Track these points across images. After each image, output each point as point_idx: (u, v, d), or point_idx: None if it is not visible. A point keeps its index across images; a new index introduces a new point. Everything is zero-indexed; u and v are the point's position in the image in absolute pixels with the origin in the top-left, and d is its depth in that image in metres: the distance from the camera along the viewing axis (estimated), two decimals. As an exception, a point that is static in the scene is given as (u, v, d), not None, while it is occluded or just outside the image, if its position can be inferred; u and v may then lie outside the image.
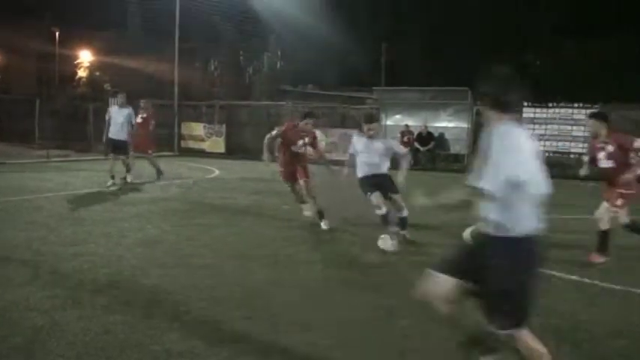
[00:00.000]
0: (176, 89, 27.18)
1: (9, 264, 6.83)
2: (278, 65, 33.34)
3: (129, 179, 14.28)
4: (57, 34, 38.46)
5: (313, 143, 9.82)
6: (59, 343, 4.56)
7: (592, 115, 8.01)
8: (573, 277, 6.87)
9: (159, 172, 14.99)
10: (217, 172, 18.53)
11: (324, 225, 9.43)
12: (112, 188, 13.32)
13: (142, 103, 15.40)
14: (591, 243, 7.93)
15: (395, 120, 24.27)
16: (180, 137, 26.65)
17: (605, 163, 7.70)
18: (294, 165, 9.69)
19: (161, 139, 24.75)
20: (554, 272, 7.02)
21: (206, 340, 4.72)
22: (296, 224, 9.82)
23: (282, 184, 10.38)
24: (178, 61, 27.60)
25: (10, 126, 27.86)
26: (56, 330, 4.82)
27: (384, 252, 7.87)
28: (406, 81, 32.21)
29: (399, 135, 22.70)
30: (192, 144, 26.41)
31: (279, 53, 33.34)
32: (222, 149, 25.47)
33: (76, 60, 38.75)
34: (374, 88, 27.56)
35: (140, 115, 15.10)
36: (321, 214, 9.58)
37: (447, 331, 4.40)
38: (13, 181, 14.78)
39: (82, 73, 38.66)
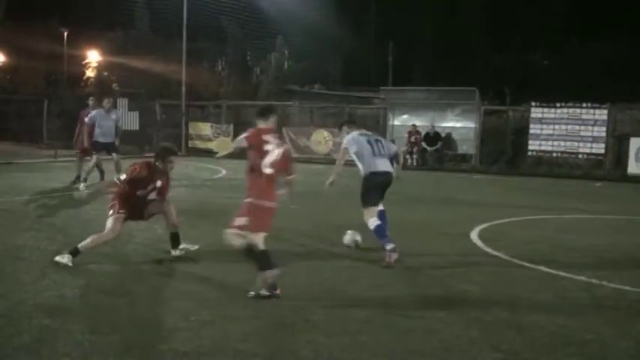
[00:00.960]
0: (183, 89, 27.21)
1: (16, 263, 6.85)
2: (285, 65, 33.36)
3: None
4: (65, 34, 38.52)
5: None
6: (66, 342, 4.57)
7: None
8: (581, 278, 6.82)
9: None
10: (224, 172, 18.53)
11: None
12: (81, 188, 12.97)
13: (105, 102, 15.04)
14: (599, 243, 7.89)
15: (402, 120, 24.22)
16: (188, 137, 26.68)
17: None
18: None
19: (169, 138, 24.80)
20: (561, 273, 6.99)
21: (212, 340, 4.72)
22: (302, 223, 9.80)
23: (298, 184, 10.33)
24: (186, 61, 27.63)
25: (19, 126, 27.95)
26: (63, 329, 4.83)
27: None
28: (413, 81, 32.18)
29: (406, 135, 22.68)
30: (199, 144, 26.42)
31: (286, 53, 33.35)
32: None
33: (84, 60, 38.84)
34: (381, 87, 27.52)
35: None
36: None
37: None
38: (20, 181, 14.82)
39: (89, 73, 38.73)
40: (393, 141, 8.37)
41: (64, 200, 11.90)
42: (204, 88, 31.37)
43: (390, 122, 24.00)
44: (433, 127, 22.57)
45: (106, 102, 14.35)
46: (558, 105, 21.10)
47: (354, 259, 7.53)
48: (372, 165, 7.70)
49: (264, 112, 6.25)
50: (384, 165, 7.74)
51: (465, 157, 22.99)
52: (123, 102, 25.71)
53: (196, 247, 7.43)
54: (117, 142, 14.10)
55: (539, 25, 34.08)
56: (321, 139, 23.77)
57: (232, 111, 26.83)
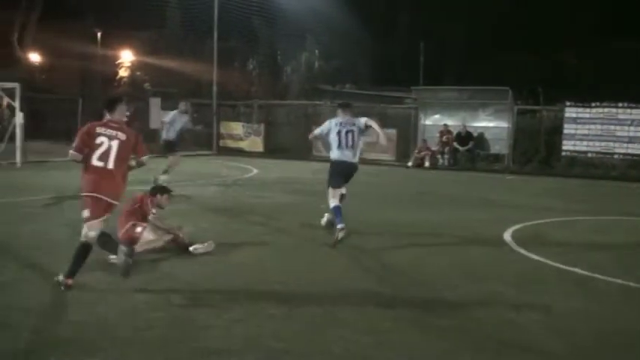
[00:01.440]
0: (214, 88, 27.39)
1: (53, 260, 6.96)
2: (316, 64, 33.33)
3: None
4: (99, 35, 39.05)
5: None
6: (103, 337, 4.64)
7: None
8: (618, 281, 6.70)
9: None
10: (255, 171, 18.61)
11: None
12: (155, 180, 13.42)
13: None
14: (636, 245, 7.75)
15: (433, 120, 24.05)
16: (219, 136, 26.86)
17: None
18: None
19: (200, 138, 25.01)
20: (597, 275, 6.88)
21: (244, 338, 4.74)
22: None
23: (320, 183, 10.36)
24: (217, 60, 27.80)
25: (55, 125, 28.42)
26: (100, 324, 4.90)
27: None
28: (445, 80, 31.91)
29: (437, 135, 22.53)
30: (230, 143, 26.57)
31: (316, 52, 33.33)
32: (260, 148, 25.56)
33: (117, 60, 39.30)
34: (412, 87, 27.33)
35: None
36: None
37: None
38: (55, 179, 15.06)
39: (122, 73, 39.17)
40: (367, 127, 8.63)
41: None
42: (236, 87, 31.51)
43: (422, 122, 23.85)
44: (465, 126, 22.37)
45: (182, 104, 14.73)
46: (593, 105, 20.75)
47: (385, 258, 7.50)
48: (335, 154, 8.71)
49: (109, 104, 6.19)
50: (345, 156, 8.63)
51: (497, 157, 22.71)
52: (155, 101, 26.00)
53: (212, 245, 7.41)
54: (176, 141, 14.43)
55: (573, 23, 33.56)
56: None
57: (263, 110, 26.94)
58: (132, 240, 6.88)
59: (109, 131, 5.93)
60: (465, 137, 22.23)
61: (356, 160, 8.81)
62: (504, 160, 22.06)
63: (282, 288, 6.09)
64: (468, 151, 22.26)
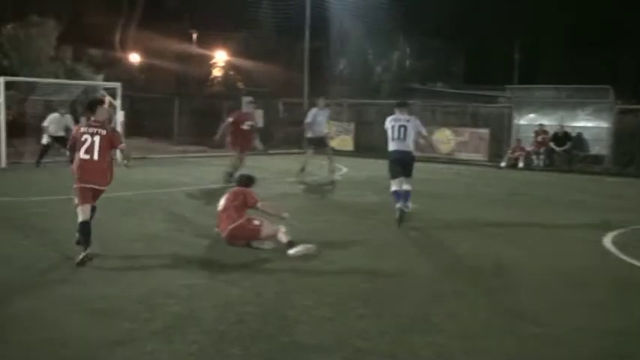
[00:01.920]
0: (306, 88, 27.65)
1: (150, 253, 7.23)
2: (407, 63, 33.06)
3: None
4: (194, 36, 40.24)
5: None
6: (196, 330, 4.77)
7: None
8: None
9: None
10: (345, 169, 18.66)
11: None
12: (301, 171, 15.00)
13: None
14: None
15: (529, 119, 23.31)
16: (309, 135, 27.07)
17: None
18: None
19: (290, 136, 25.32)
20: None
21: (333, 335, 4.76)
22: (424, 224, 9.67)
23: (416, 183, 10.25)
24: (308, 59, 28.06)
25: (153, 123, 29.53)
26: (193, 317, 5.04)
27: None
28: (541, 79, 30.92)
29: (532, 134, 21.84)
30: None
31: (408, 51, 33.06)
32: (350, 147, 25.59)
33: (211, 60, 40.36)
34: (506, 86, 26.63)
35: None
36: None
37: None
38: (153, 175, 15.64)
39: (216, 72, 40.19)
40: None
41: (192, 194, 12.44)
42: (326, 86, 31.71)
43: (516, 121, 23.19)
44: (562, 126, 21.57)
45: (320, 100, 15.26)
46: None
47: (477, 260, 7.33)
48: (390, 145, 9.74)
49: (91, 106, 7.38)
50: (397, 146, 9.55)
51: (597, 159, 21.76)
52: (247, 100, 26.50)
53: (313, 248, 7.39)
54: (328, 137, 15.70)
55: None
56: (443, 138, 23.37)
57: (354, 109, 26.95)
58: (255, 233, 7.40)
59: (91, 129, 7.05)
60: (562, 137, 21.42)
61: (410, 149, 9.57)
62: (604, 162, 21.12)
63: (370, 287, 6.07)
64: (564, 151, 21.44)
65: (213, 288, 5.89)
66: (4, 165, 16.50)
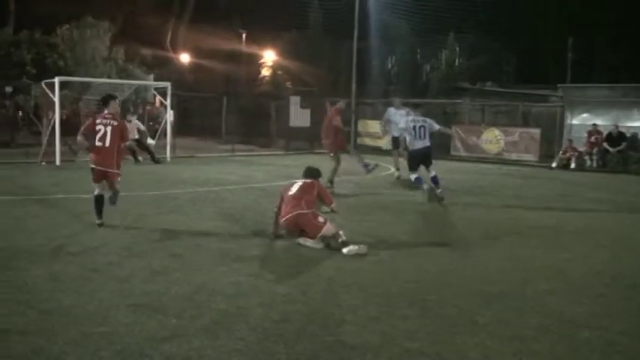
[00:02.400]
0: (354, 87, 27.58)
1: (198, 251, 7.31)
2: (456, 62, 32.72)
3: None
4: (243, 36, 40.62)
5: None
6: (241, 327, 4.78)
7: None
8: None
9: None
10: (392, 169, 18.54)
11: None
12: (398, 177, 15.51)
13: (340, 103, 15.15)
14: None
15: (582, 119, 22.77)
16: (357, 135, 26.99)
17: None
18: None
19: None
20: None
21: (379, 335, 4.71)
22: (471, 225, 9.54)
23: (456, 182, 10.14)
24: (356, 59, 27.98)
25: (201, 122, 29.93)
26: (239, 314, 5.06)
27: None
28: (594, 78, 30.20)
29: (585, 134, 21.32)
30: (368, 141, 26.62)
31: (457, 50, 32.71)
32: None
33: (260, 60, 40.69)
34: (559, 85, 26.07)
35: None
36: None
37: None
38: (200, 173, 15.85)
39: (265, 72, 40.49)
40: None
41: (239, 192, 12.54)
42: (374, 85, 31.61)
43: (568, 121, 22.68)
44: (617, 126, 21.00)
45: (397, 100, 16.10)
46: None
47: (525, 263, 7.18)
48: (412, 144, 11.71)
49: (104, 101, 8.78)
50: (419, 144, 11.60)
51: (653, 160, 21.11)
52: (295, 100, 26.62)
53: (365, 249, 7.35)
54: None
55: None
56: (492, 138, 23.03)
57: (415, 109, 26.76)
58: (316, 230, 7.53)
59: (105, 120, 8.41)
60: (616, 138, 20.85)
61: (429, 144, 11.71)
62: (661, 163, 20.47)
63: (417, 288, 5.99)
64: (619, 152, 20.87)
65: (259, 286, 5.91)
66: (58, 163, 16.93)
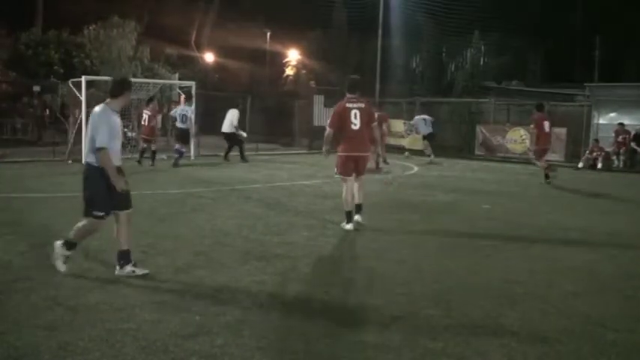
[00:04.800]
0: (377, 86, 27.55)
1: (221, 249, 7.35)
2: (481, 61, 32.40)
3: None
4: (268, 35, 40.71)
5: None
6: (264, 325, 4.80)
7: None
8: None
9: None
10: (416, 168, 18.48)
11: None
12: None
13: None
14: None
15: (609, 118, 22.45)
16: (381, 134, 26.91)
17: None
18: None
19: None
20: None
21: (402, 334, 4.70)
22: (496, 225, 9.46)
23: (481, 182, 10.05)
24: (380, 58, 27.94)
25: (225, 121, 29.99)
26: (262, 312, 5.08)
27: None
28: (623, 77, 29.77)
29: (613, 134, 21.02)
30: (392, 140, 26.55)
31: (482, 49, 32.40)
32: (421, 146, 25.32)
33: (284, 59, 40.74)
34: (586, 84, 25.74)
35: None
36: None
37: None
38: (224, 172, 15.94)
39: (289, 71, 40.53)
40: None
41: (263, 191, 12.58)
42: (398, 84, 31.49)
43: (595, 120, 22.39)
44: (645, 126, 20.69)
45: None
46: None
47: (551, 264, 7.10)
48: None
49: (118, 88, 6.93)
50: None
51: (681, 160, 20.76)
52: (319, 99, 26.62)
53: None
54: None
55: None
56: (517, 138, 22.82)
57: (426, 107, 26.60)
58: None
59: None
60: (644, 137, 20.54)
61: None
62: (689, 163, 20.14)
63: (440, 288, 5.96)
64: (647, 152, 20.56)
65: (282, 284, 5.93)
66: (84, 162, 17.14)
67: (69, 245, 6.11)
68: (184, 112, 18.25)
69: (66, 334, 4.51)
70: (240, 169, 16.79)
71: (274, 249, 7.36)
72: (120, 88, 6.22)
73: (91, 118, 6.04)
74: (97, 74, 25.74)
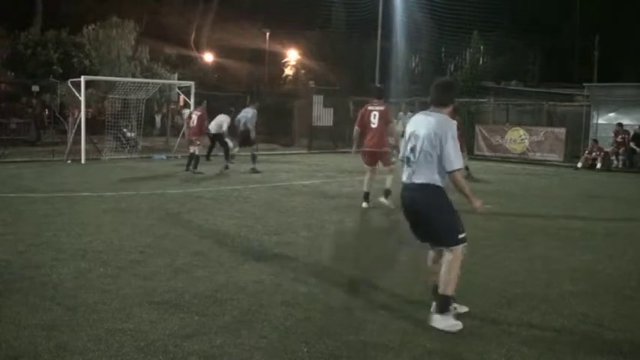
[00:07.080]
0: (377, 86, 27.53)
1: (220, 249, 7.34)
2: (480, 61, 32.42)
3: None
4: (267, 34, 40.71)
5: None
6: (263, 325, 4.80)
7: None
8: None
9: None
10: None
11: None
12: None
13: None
14: None
15: (608, 118, 22.47)
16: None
17: None
18: None
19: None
20: None
21: (401, 335, 4.70)
22: (496, 225, 9.46)
23: (488, 183, 10.05)
24: (380, 58, 27.95)
25: (224, 121, 29.99)
26: (261, 313, 5.08)
27: None
28: (622, 77, 29.79)
29: (612, 134, 21.03)
30: (393, 140, 26.51)
31: (481, 49, 32.41)
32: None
33: (283, 59, 40.75)
34: (585, 84, 25.77)
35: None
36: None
37: None
38: (222, 172, 15.92)
39: (288, 71, 40.54)
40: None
41: (262, 191, 12.58)
42: (397, 84, 31.50)
43: (594, 120, 22.40)
44: (643, 126, 20.70)
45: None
46: None
47: (551, 265, 7.10)
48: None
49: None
50: None
51: (680, 160, 20.77)
52: (318, 99, 26.62)
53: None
54: None
55: None
56: (516, 138, 22.85)
57: (425, 107, 26.64)
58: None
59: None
60: (643, 137, 20.56)
61: None
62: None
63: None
64: (646, 152, 20.58)
65: (281, 284, 5.92)
66: (83, 161, 17.13)
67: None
68: (246, 114, 18.11)
69: (65, 334, 4.51)
70: (240, 169, 16.77)
71: (273, 249, 7.35)
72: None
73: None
74: (96, 74, 25.76)
